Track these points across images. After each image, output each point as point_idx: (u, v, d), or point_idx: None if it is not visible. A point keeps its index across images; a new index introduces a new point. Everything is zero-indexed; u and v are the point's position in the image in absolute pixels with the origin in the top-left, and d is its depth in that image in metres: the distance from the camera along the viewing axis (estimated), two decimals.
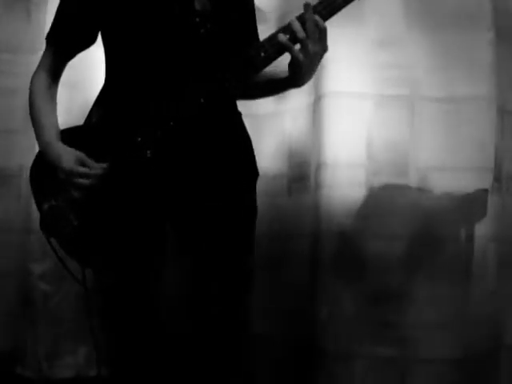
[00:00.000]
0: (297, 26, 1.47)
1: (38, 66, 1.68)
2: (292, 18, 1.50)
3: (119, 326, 1.65)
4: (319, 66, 1.57)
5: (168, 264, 1.63)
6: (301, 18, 1.48)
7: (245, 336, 1.69)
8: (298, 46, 1.50)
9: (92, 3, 1.59)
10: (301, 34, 1.47)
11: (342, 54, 2.19)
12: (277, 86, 1.68)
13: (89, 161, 1.53)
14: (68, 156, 1.54)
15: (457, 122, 2.16)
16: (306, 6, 1.47)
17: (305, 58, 1.49)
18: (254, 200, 1.69)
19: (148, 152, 1.51)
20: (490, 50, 2.16)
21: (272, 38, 1.50)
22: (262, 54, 1.50)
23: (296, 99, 2.33)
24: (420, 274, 2.13)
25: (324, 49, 1.52)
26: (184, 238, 1.62)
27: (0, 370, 2.51)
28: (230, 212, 1.61)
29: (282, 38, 1.48)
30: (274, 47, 1.49)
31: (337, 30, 2.18)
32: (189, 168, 1.56)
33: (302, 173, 2.31)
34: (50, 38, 1.67)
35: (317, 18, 1.47)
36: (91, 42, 1.68)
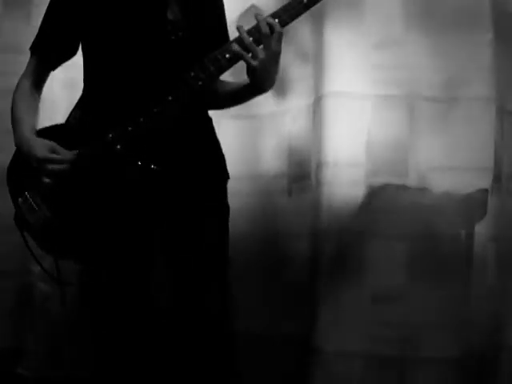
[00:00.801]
0: (245, 34, 1.54)
1: (23, 74, 1.76)
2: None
3: (100, 322, 1.68)
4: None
5: (143, 259, 1.66)
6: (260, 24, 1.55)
7: (227, 336, 1.71)
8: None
9: (73, 16, 1.67)
10: (247, 40, 1.54)
11: (341, 55, 2.20)
12: (242, 94, 1.74)
13: (60, 148, 1.59)
14: (40, 145, 1.61)
15: (457, 123, 2.16)
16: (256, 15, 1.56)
17: (257, 62, 1.55)
18: (225, 202, 1.74)
19: (118, 146, 1.57)
20: (489, 50, 2.16)
21: (237, 40, 1.56)
22: (227, 56, 1.56)
23: (296, 99, 2.33)
24: (420, 273, 2.14)
25: (279, 52, 1.57)
26: (156, 235, 1.66)
27: (0, 370, 2.51)
28: (198, 213, 1.66)
29: (235, 47, 1.55)
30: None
31: (337, 30, 2.21)
32: (160, 165, 1.61)
33: (303, 172, 2.31)
34: (34, 48, 1.75)
35: (271, 20, 1.54)
36: (73, 53, 1.76)
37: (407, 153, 2.18)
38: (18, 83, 1.75)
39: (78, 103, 1.73)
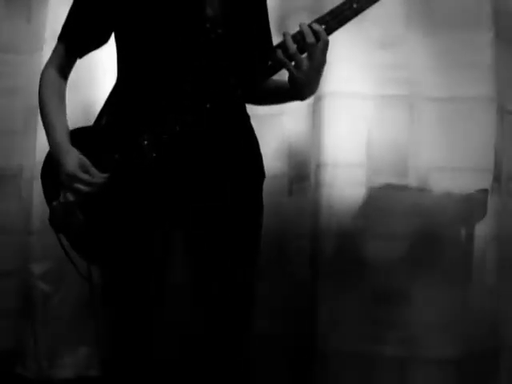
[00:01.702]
0: (289, 42, 1.47)
1: (48, 62, 1.69)
2: (299, 20, 1.50)
3: (121, 325, 1.66)
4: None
5: (173, 264, 1.64)
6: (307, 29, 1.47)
7: (247, 335, 1.70)
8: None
9: (107, 5, 1.61)
10: (292, 50, 1.46)
11: (342, 54, 2.19)
12: (281, 97, 1.70)
13: (92, 168, 1.54)
14: (73, 159, 1.55)
15: (457, 122, 2.16)
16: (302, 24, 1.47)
17: (300, 73, 1.49)
18: (261, 201, 1.70)
19: (154, 155, 1.53)
20: (489, 50, 2.16)
21: (281, 47, 1.49)
22: (269, 63, 1.50)
23: None
24: (420, 273, 2.14)
25: (323, 62, 1.50)
26: (190, 238, 1.63)
27: (0, 370, 2.51)
28: (236, 212, 1.62)
29: (279, 55, 1.48)
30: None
31: (337, 30, 2.20)
32: (195, 168, 1.57)
33: (302, 173, 2.31)
34: (63, 35, 1.69)
35: (317, 27, 1.47)
36: (103, 42, 1.70)
37: (407, 153, 2.18)
38: (43, 73, 1.68)
39: (108, 100, 1.67)
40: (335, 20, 1.48)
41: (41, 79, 1.68)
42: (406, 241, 2.15)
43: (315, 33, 1.46)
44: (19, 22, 2.51)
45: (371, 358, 2.16)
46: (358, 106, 2.19)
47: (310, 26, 1.47)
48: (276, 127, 2.38)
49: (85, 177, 1.53)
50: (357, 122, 2.19)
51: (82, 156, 1.55)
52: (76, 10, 1.67)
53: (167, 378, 1.64)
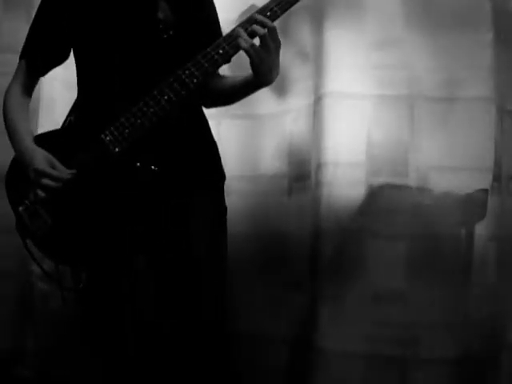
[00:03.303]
0: (245, 36, 1.54)
1: (13, 78, 1.76)
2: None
3: (97, 326, 1.67)
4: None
5: (140, 262, 1.66)
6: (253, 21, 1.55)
7: (224, 336, 1.71)
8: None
9: (63, 21, 1.67)
10: (249, 42, 1.53)
11: (342, 55, 2.20)
12: (248, 90, 1.73)
13: (59, 165, 1.59)
14: (40, 157, 1.60)
15: (457, 122, 2.16)
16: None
17: (261, 60, 1.55)
18: (222, 203, 1.74)
19: (116, 149, 1.57)
20: (489, 50, 2.16)
21: (229, 37, 1.57)
22: (220, 51, 1.56)
23: (296, 99, 2.33)
24: (420, 273, 2.14)
25: (278, 45, 1.57)
26: (151, 235, 1.65)
27: (0, 370, 2.51)
28: (194, 212, 1.65)
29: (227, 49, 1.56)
30: (231, 45, 1.56)
31: (337, 30, 2.21)
32: (154, 167, 1.61)
33: (303, 172, 2.31)
34: (23, 54, 1.75)
35: (260, 18, 1.53)
36: (63, 58, 1.76)
37: (407, 153, 2.18)
38: (8, 88, 1.75)
39: (72, 108, 1.72)
40: (278, 6, 1.56)
41: (5, 94, 1.74)
42: (406, 240, 2.15)
43: (261, 24, 1.54)
44: (19, 22, 2.50)
45: (372, 358, 2.16)
46: (358, 105, 2.19)
47: (254, 17, 1.55)
48: (276, 127, 2.39)
49: (53, 172, 1.58)
50: (357, 122, 2.19)
51: (48, 154, 1.61)
52: (34, 29, 1.74)
53: (146, 376, 1.64)
